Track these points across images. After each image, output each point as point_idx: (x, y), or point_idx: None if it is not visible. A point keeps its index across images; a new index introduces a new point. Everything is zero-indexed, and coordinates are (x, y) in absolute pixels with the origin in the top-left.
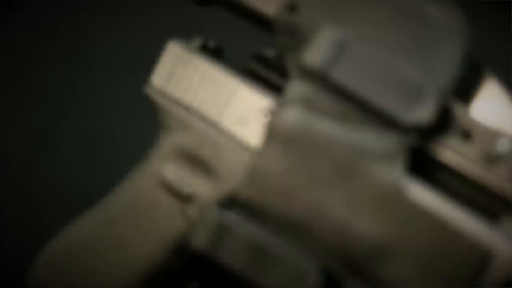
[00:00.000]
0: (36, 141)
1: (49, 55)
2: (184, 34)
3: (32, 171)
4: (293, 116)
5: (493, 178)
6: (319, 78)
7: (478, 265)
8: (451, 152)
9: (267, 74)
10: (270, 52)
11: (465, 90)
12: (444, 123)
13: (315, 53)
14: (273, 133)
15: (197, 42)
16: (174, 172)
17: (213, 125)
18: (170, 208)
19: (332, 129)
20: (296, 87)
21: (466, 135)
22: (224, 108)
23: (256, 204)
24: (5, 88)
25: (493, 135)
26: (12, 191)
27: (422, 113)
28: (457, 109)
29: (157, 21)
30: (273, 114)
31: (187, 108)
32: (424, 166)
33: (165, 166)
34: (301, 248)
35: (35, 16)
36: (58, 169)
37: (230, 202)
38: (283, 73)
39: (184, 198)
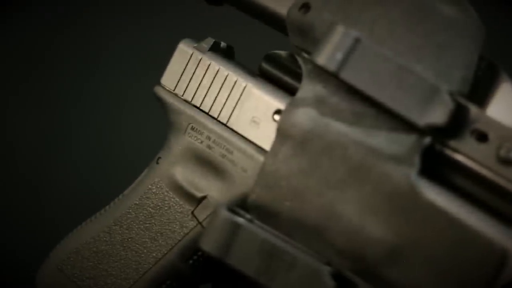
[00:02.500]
0: (46, 143)
1: (60, 56)
2: (195, 34)
3: (41, 172)
4: (305, 117)
5: (507, 179)
6: (331, 78)
7: (496, 265)
8: (466, 153)
9: (279, 74)
10: (282, 53)
11: (480, 90)
12: (459, 124)
13: (327, 53)
14: (285, 134)
15: (208, 42)
16: (184, 174)
17: (224, 126)
18: (181, 210)
19: (345, 129)
20: (308, 87)
21: (481, 136)
22: (235, 109)
23: (268, 206)
24: (17, 89)
25: (508, 136)
26: (21, 192)
27: (437, 114)
28: (472, 110)
29: (168, 21)
30: (285, 115)
31: (198, 109)
32: (438, 167)
33: (176, 168)
34: (314, 251)
35: (46, 17)
36: (67, 170)
37: (242, 205)
38: (295, 74)
39: (195, 201)
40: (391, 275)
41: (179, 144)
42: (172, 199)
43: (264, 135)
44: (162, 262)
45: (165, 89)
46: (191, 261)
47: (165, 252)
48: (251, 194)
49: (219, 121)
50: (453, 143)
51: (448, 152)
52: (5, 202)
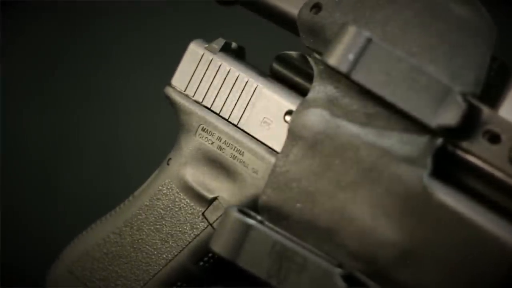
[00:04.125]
0: (55, 144)
1: (70, 56)
2: (206, 35)
3: (51, 173)
4: (316, 118)
5: None
6: (343, 79)
7: (508, 266)
8: (478, 154)
9: (290, 75)
10: (293, 53)
11: (492, 91)
12: (471, 125)
13: (339, 53)
14: (296, 135)
15: (219, 43)
16: (195, 175)
17: (235, 127)
18: (191, 212)
19: (357, 131)
20: (319, 88)
21: (494, 137)
22: (246, 110)
23: (279, 208)
24: (29, 89)
25: None
26: (32, 193)
27: (450, 115)
28: (485, 110)
29: (179, 21)
30: (296, 115)
31: (209, 110)
32: (451, 168)
33: (186, 169)
34: (325, 253)
35: (57, 18)
36: (77, 172)
37: (253, 206)
38: (307, 74)
39: (206, 202)
40: (403, 277)
41: (189, 145)
42: (183, 200)
43: (275, 136)
44: (172, 263)
45: (175, 89)
46: (201, 263)
47: (176, 253)
48: (262, 195)
49: (230, 122)
50: (465, 144)
51: (460, 153)
52: (16, 203)
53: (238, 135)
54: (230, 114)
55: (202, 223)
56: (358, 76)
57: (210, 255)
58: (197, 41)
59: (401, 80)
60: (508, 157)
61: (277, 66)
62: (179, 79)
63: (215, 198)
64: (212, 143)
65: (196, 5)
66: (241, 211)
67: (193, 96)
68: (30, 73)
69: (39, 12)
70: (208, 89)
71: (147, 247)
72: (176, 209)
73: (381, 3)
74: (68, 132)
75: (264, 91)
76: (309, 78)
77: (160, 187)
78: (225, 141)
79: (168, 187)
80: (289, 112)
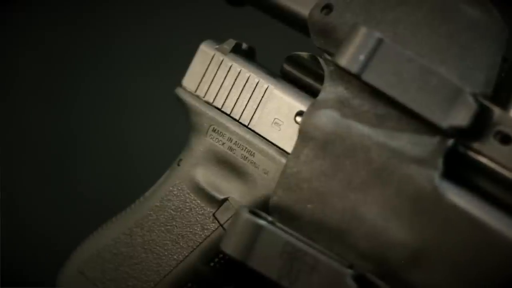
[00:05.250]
0: (66, 144)
1: (81, 57)
2: (217, 36)
3: (62, 174)
4: (327, 118)
5: None
6: (354, 80)
7: None
8: (489, 155)
9: (301, 76)
10: (304, 54)
11: (503, 92)
12: (482, 126)
13: (350, 54)
14: (307, 136)
15: (230, 44)
16: (206, 176)
17: (246, 128)
18: (202, 212)
19: (368, 131)
20: (330, 89)
21: (505, 138)
22: (257, 110)
23: (290, 209)
24: (36, 90)
25: None
26: (41, 194)
27: (461, 116)
28: (496, 111)
29: (189, 22)
30: (307, 116)
31: (219, 111)
32: (461, 169)
33: (197, 170)
34: (336, 254)
35: (66, 17)
36: (88, 172)
37: (264, 207)
38: (317, 75)
39: (217, 203)
40: (414, 278)
41: (200, 146)
42: (194, 201)
43: (286, 137)
44: (183, 264)
45: (186, 90)
46: (212, 264)
47: (186, 254)
48: (273, 196)
49: (240, 123)
50: (476, 145)
51: (471, 154)
52: (26, 203)
53: (249, 136)
54: (241, 115)
55: (213, 224)
56: (369, 77)
57: (220, 256)
58: (207, 42)
59: (412, 81)
60: None
61: (287, 67)
62: (189, 80)
63: (225, 199)
64: (223, 144)
65: (207, 6)
66: (252, 212)
67: (203, 97)
68: (38, 74)
69: (47, 11)
70: (219, 90)
71: (158, 248)
72: (187, 210)
73: (391, 4)
74: (78, 133)
75: (274, 92)
76: (320, 79)
77: (171, 188)
78: (236, 142)
79: (179, 188)
80: (299, 113)
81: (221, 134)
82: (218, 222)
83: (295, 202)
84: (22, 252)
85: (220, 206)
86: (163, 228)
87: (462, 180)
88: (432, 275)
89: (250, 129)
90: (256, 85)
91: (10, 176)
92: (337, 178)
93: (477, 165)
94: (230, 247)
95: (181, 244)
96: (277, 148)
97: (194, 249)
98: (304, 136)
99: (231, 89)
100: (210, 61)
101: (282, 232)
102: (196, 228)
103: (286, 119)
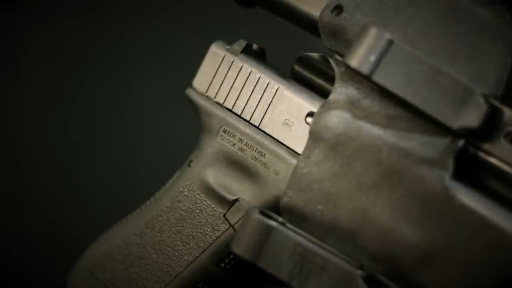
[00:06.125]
0: (76, 145)
1: (91, 57)
2: (227, 37)
3: (72, 174)
4: (338, 119)
5: None
6: (364, 81)
7: None
8: (499, 156)
9: (311, 77)
10: (314, 55)
11: None
12: (492, 126)
13: (360, 55)
14: (317, 137)
15: (240, 44)
16: (216, 177)
17: (257, 129)
18: (213, 213)
19: (378, 132)
20: (340, 90)
21: None
22: (267, 111)
23: (300, 210)
24: (47, 90)
25: None
26: (52, 194)
27: (471, 117)
28: (506, 112)
29: (199, 23)
30: (318, 117)
31: (230, 112)
32: (472, 170)
33: (207, 171)
34: (347, 255)
35: (79, 18)
36: (98, 173)
37: (274, 208)
38: (328, 76)
39: (227, 204)
40: (424, 279)
41: (211, 146)
42: (204, 202)
43: (297, 137)
44: (193, 265)
45: (196, 91)
46: (222, 265)
47: (197, 255)
48: (283, 197)
49: (251, 124)
50: (486, 146)
51: (482, 155)
52: (36, 203)
53: (260, 137)
54: (252, 116)
55: (223, 225)
56: (379, 78)
57: (231, 257)
58: (218, 43)
59: (423, 82)
60: None
61: (298, 68)
62: (200, 81)
63: (236, 200)
64: (234, 144)
65: (217, 7)
66: (262, 212)
67: (214, 98)
68: (49, 74)
69: (59, 12)
70: (230, 90)
71: (168, 248)
72: (197, 211)
73: (402, 4)
74: (88, 133)
75: (285, 93)
76: (330, 79)
77: (181, 189)
78: (247, 142)
79: (189, 189)
80: (310, 114)
81: (231, 135)
82: (229, 223)
83: (305, 203)
84: (33, 253)
85: (230, 207)
86: (173, 229)
87: (472, 181)
88: (442, 276)
89: (260, 130)
90: (267, 86)
91: (20, 177)
92: (348, 179)
93: (487, 166)
94: (241, 248)
95: (191, 245)
96: (288, 149)
97: (205, 250)
98: (314, 137)
99: (241, 90)
100: (221, 62)
101: (293, 233)
102: (206, 229)
103: (297, 120)
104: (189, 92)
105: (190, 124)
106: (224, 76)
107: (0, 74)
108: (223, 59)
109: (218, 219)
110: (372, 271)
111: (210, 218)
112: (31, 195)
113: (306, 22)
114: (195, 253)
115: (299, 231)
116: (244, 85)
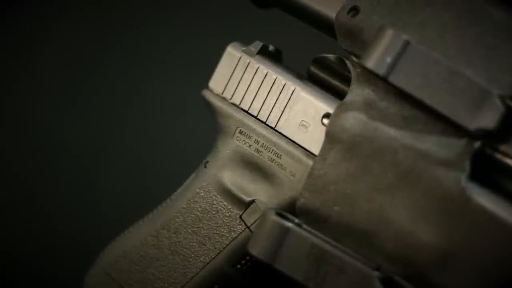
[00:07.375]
0: (92, 145)
1: (109, 58)
2: (243, 38)
3: (88, 175)
4: (354, 121)
5: None
6: (380, 82)
7: None
8: None
9: (327, 78)
10: (330, 56)
11: None
12: (509, 128)
13: (376, 56)
14: (334, 138)
15: (256, 46)
16: (232, 178)
17: (273, 130)
18: (229, 214)
19: (395, 134)
20: (357, 91)
21: None
22: (284, 112)
23: (317, 211)
24: (62, 91)
25: None
26: (68, 195)
27: (488, 118)
28: None
29: (215, 24)
30: (334, 118)
31: (246, 113)
32: (489, 171)
33: (224, 172)
34: (363, 256)
35: (93, 17)
36: (115, 175)
37: (290, 209)
38: (344, 77)
39: (243, 205)
40: (441, 281)
41: (227, 148)
42: (220, 203)
43: (313, 139)
44: (209, 266)
45: (213, 92)
46: (239, 266)
47: (213, 256)
48: (300, 198)
49: (267, 125)
50: (503, 147)
51: (498, 156)
52: (52, 203)
53: (276, 138)
54: (268, 117)
55: (240, 226)
56: (396, 79)
57: (247, 258)
58: (234, 44)
59: (439, 83)
60: None
61: (314, 69)
62: (216, 82)
63: (252, 201)
64: (250, 146)
65: (233, 8)
66: (278, 214)
67: (230, 99)
68: (63, 76)
69: (71, 14)
70: (246, 92)
71: (185, 249)
72: (214, 212)
73: (418, 6)
74: (105, 134)
75: (301, 94)
76: (347, 81)
77: (197, 190)
78: (263, 144)
79: (206, 190)
80: (326, 115)
81: (248, 136)
82: (245, 224)
83: (322, 204)
84: (49, 254)
85: (246, 208)
86: (189, 230)
87: (489, 182)
88: (459, 277)
89: (277, 131)
90: (283, 87)
91: (35, 179)
92: (364, 180)
93: (504, 167)
94: (257, 249)
95: (207, 246)
96: (304, 150)
97: (221, 251)
98: (331, 138)
99: (258, 91)
100: (237, 63)
101: (309, 234)
102: (223, 230)
103: (313, 121)
104: (205, 93)
105: (206, 125)
106: (240, 77)
107: (18, 75)
108: (239, 60)
109: (234, 220)
110: (388, 272)
111: (226, 219)
112: (48, 197)
113: (322, 23)
114: (211, 254)
115: (316, 232)
116: (260, 86)
